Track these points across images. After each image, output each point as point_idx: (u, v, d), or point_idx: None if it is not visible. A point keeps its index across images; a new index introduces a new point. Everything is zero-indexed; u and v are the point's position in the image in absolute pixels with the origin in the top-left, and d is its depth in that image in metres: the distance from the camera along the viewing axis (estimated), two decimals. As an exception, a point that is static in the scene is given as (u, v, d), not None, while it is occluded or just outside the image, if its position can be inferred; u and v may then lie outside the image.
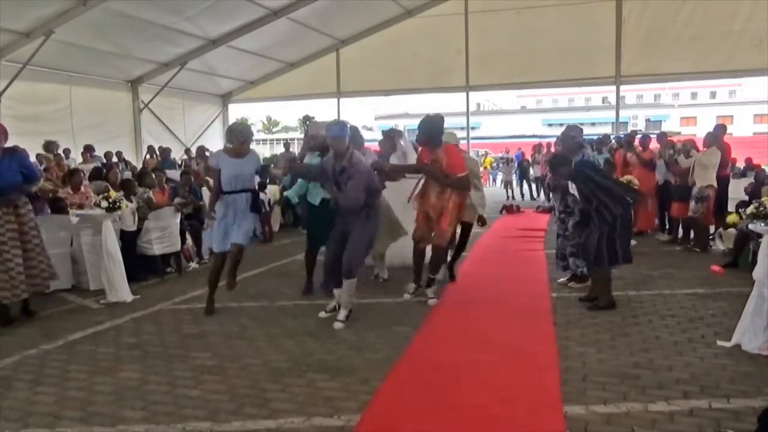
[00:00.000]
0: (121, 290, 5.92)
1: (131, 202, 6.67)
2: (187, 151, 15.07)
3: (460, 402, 3.39)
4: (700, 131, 22.92)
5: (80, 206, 6.84)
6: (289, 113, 52.34)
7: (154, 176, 7.62)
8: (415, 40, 15.57)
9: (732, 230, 7.36)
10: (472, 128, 23.60)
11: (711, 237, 8.28)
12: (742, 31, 13.40)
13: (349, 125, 5.18)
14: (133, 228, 6.75)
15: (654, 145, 9.88)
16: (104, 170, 8.82)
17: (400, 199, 6.03)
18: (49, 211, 6.67)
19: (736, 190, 8.92)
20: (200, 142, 15.57)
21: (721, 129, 8.62)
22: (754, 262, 4.72)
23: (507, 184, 18.78)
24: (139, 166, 11.47)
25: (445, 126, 5.63)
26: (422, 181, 5.70)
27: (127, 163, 12.22)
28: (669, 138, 9.88)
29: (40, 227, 5.39)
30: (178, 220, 7.35)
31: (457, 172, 5.47)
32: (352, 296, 4.99)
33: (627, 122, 36.02)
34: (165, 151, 13.06)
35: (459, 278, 6.49)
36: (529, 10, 14.67)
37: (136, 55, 13.44)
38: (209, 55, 14.38)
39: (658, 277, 6.44)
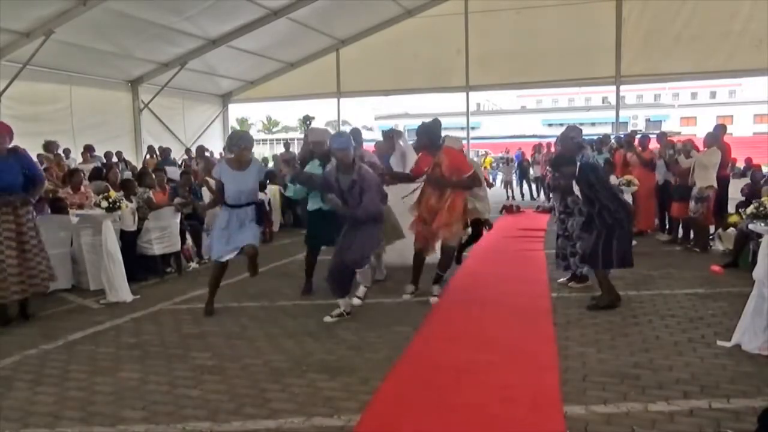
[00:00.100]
0: (121, 290, 5.93)
1: (131, 202, 6.67)
2: (188, 151, 15.07)
3: (460, 402, 3.39)
4: (700, 131, 22.94)
5: (80, 206, 6.84)
6: (289, 113, 52.55)
7: (154, 176, 7.62)
8: (415, 40, 15.56)
9: (732, 230, 7.37)
10: (472, 128, 23.59)
11: (711, 237, 8.28)
12: (742, 31, 13.39)
13: (350, 130, 5.20)
14: (133, 228, 6.75)
15: (654, 145, 9.88)
16: (104, 170, 8.81)
17: (399, 202, 6.05)
18: (49, 211, 6.68)
19: (736, 191, 8.91)
20: (200, 142, 15.58)
21: (721, 129, 8.61)
22: (754, 262, 4.72)
23: (507, 184, 18.75)
24: (139, 166, 11.47)
25: (444, 128, 5.64)
26: (420, 187, 5.71)
27: (127, 163, 12.22)
28: (669, 138, 9.87)
29: (40, 227, 5.39)
30: (178, 220, 7.34)
31: (462, 172, 5.47)
32: (367, 278, 5.22)
33: (627, 122, 36.00)
34: (165, 151, 13.05)
35: (459, 278, 6.48)
36: (529, 10, 14.66)
37: (136, 55, 13.44)
38: (209, 55, 14.38)
39: (658, 277, 6.43)
